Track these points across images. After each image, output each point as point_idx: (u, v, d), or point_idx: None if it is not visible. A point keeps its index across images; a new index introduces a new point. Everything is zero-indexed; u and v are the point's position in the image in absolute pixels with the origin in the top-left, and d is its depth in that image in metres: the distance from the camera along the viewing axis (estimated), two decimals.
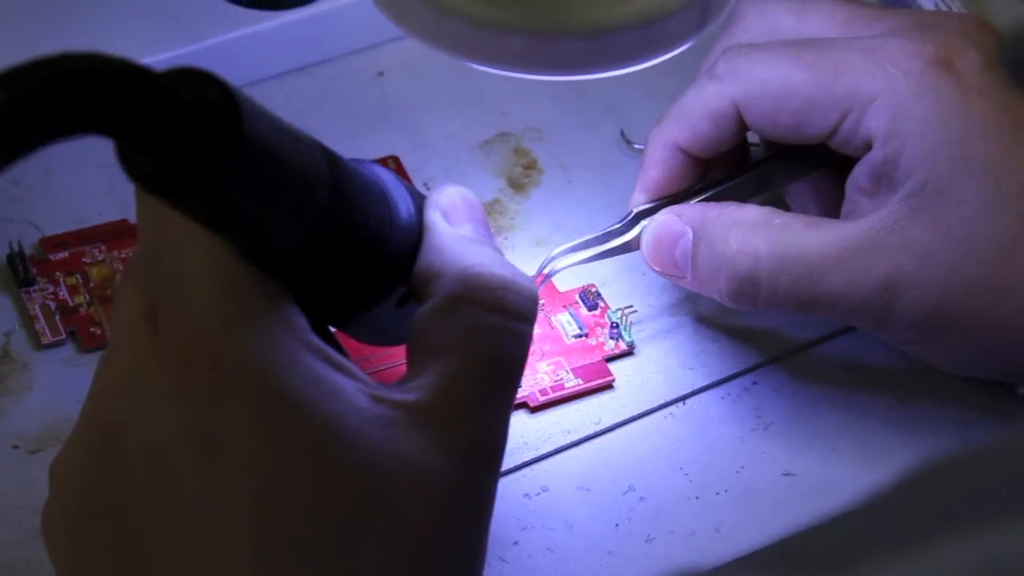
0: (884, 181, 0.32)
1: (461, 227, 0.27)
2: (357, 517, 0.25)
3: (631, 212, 0.32)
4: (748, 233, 0.31)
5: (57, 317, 0.29)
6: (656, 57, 0.26)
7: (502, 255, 0.26)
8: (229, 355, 0.24)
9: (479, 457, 0.26)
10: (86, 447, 0.25)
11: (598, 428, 0.30)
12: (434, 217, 0.27)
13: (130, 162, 0.21)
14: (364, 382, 0.25)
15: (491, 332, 0.26)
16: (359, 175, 0.25)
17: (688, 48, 0.26)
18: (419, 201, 0.27)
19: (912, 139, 0.31)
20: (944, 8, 0.36)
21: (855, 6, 0.35)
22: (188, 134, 0.20)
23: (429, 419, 0.25)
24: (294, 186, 0.23)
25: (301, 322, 0.25)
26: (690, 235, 0.31)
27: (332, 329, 0.26)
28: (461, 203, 0.28)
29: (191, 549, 0.25)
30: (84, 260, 0.30)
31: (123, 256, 0.30)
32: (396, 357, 0.27)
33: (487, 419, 0.27)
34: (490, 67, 0.25)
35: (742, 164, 0.32)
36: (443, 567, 0.26)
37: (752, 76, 0.32)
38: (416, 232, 0.26)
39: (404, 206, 0.26)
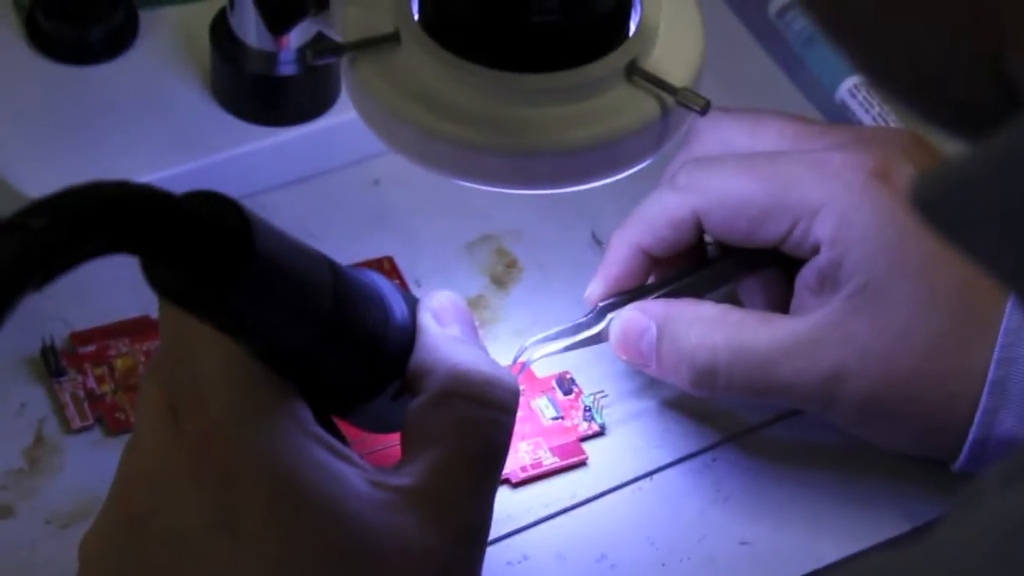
0: (828, 282, 0.34)
1: (450, 328, 0.29)
2: None
3: (598, 306, 0.34)
4: (707, 328, 0.34)
5: (85, 404, 0.32)
6: (619, 173, 0.29)
7: (487, 353, 0.29)
8: (243, 447, 0.26)
9: (468, 536, 0.29)
10: (113, 529, 0.27)
11: (573, 502, 0.32)
12: (426, 319, 0.29)
13: (153, 275, 0.23)
14: (363, 468, 0.28)
15: (478, 424, 0.29)
16: (359, 283, 0.27)
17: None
18: (412, 304, 0.29)
19: (854, 245, 0.34)
20: (882, 123, 0.39)
21: (802, 123, 0.38)
22: (205, 252, 0.22)
23: (422, 502, 0.27)
24: (301, 297, 0.26)
25: (307, 415, 0.27)
26: (654, 329, 0.33)
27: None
28: (450, 306, 0.30)
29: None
30: (110, 353, 0.32)
31: (145, 349, 0.32)
32: (390, 439, 0.30)
33: (475, 502, 0.29)
34: (472, 183, 0.29)
35: (698, 262, 0.34)
36: None
37: (711, 188, 0.35)
38: (410, 332, 0.29)
39: (399, 309, 0.28)
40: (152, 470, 0.28)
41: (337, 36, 0.29)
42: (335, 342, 0.27)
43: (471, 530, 0.29)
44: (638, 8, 0.30)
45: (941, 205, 0.18)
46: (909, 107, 0.21)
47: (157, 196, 0.22)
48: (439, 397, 0.28)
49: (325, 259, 0.26)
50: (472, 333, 0.30)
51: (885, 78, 0.21)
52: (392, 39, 0.27)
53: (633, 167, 0.30)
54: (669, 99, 0.28)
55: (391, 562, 0.27)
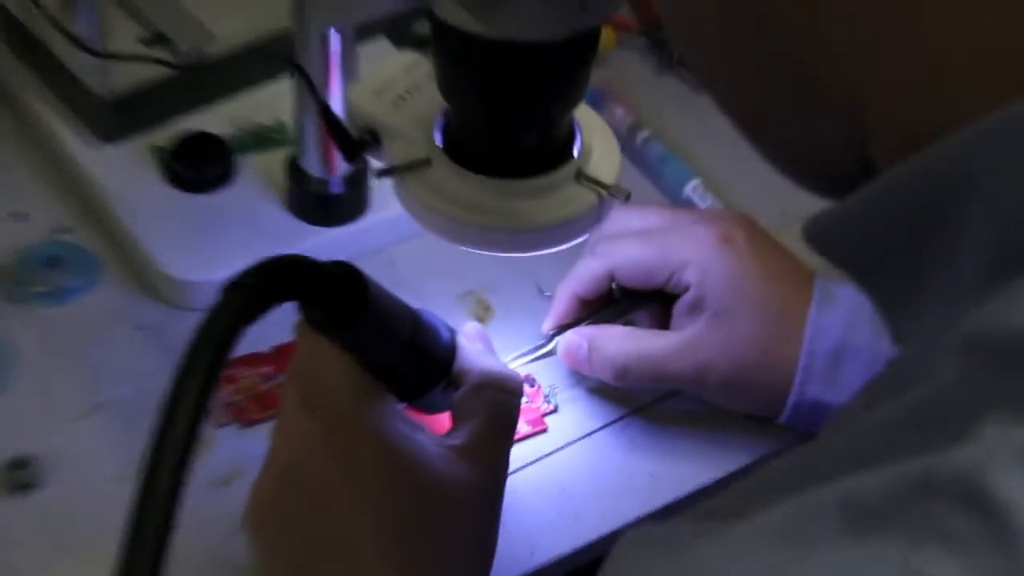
0: (696, 309, 0.47)
1: (476, 345, 0.42)
2: (435, 511, 0.38)
3: (549, 334, 0.48)
4: (621, 342, 0.47)
5: (223, 409, 0.44)
6: (573, 242, 0.41)
7: (500, 361, 0.43)
8: (358, 425, 0.37)
9: (496, 475, 0.40)
10: (272, 475, 0.38)
11: (540, 455, 0.46)
12: (461, 340, 0.41)
13: (306, 313, 0.36)
14: (431, 436, 0.39)
15: (501, 404, 0.41)
16: (423, 318, 0.39)
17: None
18: (452, 332, 0.41)
19: (711, 284, 0.47)
20: (716, 206, 0.55)
21: (670, 209, 0.53)
22: (340, 298, 0.34)
23: (469, 455, 0.39)
24: (392, 327, 0.37)
25: (393, 404, 0.39)
26: (586, 345, 0.47)
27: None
28: (475, 332, 0.44)
29: (344, 539, 0.37)
30: (238, 375, 0.45)
31: (258, 372, 0.45)
32: (434, 419, 0.43)
33: (500, 454, 0.41)
34: (477, 249, 0.40)
35: (609, 300, 0.49)
36: (479, 533, 0.40)
37: (618, 254, 0.48)
38: (452, 348, 0.40)
39: (445, 334, 0.40)
40: (296, 438, 0.38)
41: (385, 162, 0.40)
42: (410, 356, 0.39)
43: (498, 472, 0.41)
44: (578, 135, 0.40)
45: (826, 236, 0.26)
46: (785, 174, 0.29)
47: (315, 265, 0.34)
48: (475, 388, 0.41)
49: (405, 304, 0.38)
50: (490, 348, 0.44)
51: (771, 155, 0.29)
52: (426, 162, 0.39)
53: (581, 237, 0.42)
54: (604, 193, 0.40)
55: (451, 492, 0.39)
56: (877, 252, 0.26)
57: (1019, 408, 0.19)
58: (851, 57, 0.25)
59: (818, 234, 0.26)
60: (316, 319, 0.36)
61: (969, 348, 0.21)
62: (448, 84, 0.37)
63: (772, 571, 0.20)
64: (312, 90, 0.42)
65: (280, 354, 0.46)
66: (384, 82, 0.39)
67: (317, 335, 0.37)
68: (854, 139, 0.26)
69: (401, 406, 0.40)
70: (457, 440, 0.40)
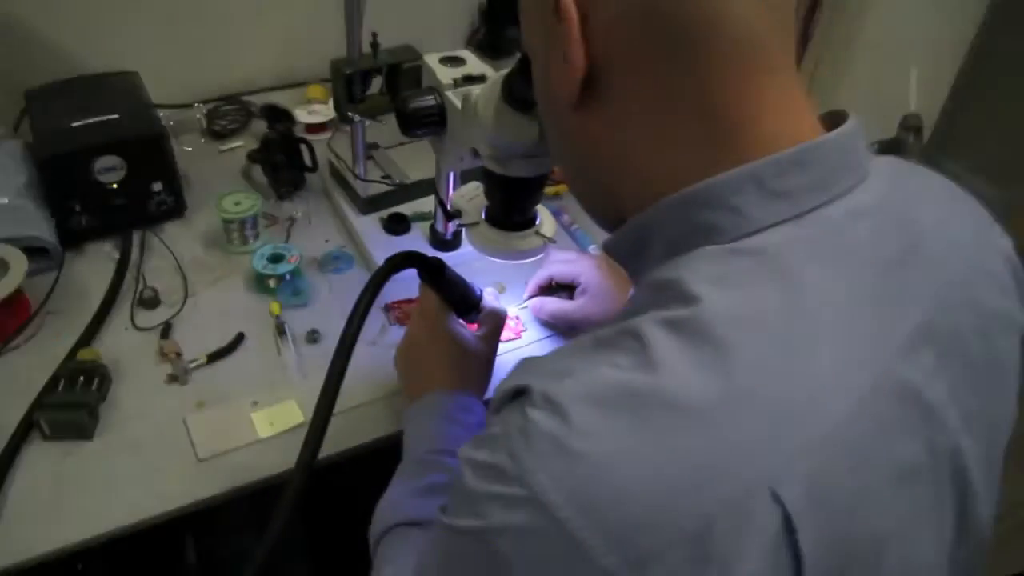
0: (583, 293, 1.03)
1: (491, 299, 0.99)
2: (466, 358, 0.88)
3: (526, 298, 1.10)
4: (555, 304, 1.06)
5: (390, 314, 1.11)
6: (536, 258, 0.98)
7: (501, 306, 0.97)
8: (439, 323, 0.89)
9: (494, 349, 0.93)
10: (404, 340, 0.92)
11: (515, 348, 1.10)
12: (486, 295, 0.96)
13: (422, 278, 0.89)
14: (470, 331, 0.90)
15: (498, 321, 0.93)
16: (468, 284, 0.91)
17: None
18: (481, 291, 0.93)
19: (591, 282, 1.02)
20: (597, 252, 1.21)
21: (579, 252, 1.13)
22: (434, 271, 0.87)
23: (483, 340, 0.91)
24: (456, 285, 0.90)
25: (454, 317, 0.90)
26: (539, 304, 1.08)
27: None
28: (492, 293, 0.98)
29: (427, 365, 0.88)
30: (398, 305, 1.13)
31: (407, 305, 1.16)
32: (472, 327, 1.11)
33: (495, 342, 0.93)
34: (500, 259, 0.98)
35: (551, 288, 1.10)
36: (485, 372, 0.91)
37: (554, 268, 1.05)
38: (480, 298, 0.93)
39: (479, 291, 0.92)
40: (413, 327, 0.90)
41: (463, 223, 1.06)
42: (463, 298, 0.90)
43: (495, 348, 0.92)
44: (538, 216, 0.92)
45: (609, 248, 0.58)
46: (592, 219, 0.64)
47: (425, 257, 0.90)
48: (488, 314, 0.93)
49: (462, 277, 0.90)
50: (497, 301, 1.00)
51: (587, 211, 0.64)
52: (477, 223, 0.98)
53: (539, 256, 0.96)
54: (548, 239, 0.92)
55: (474, 352, 0.88)
56: (626, 251, 0.58)
57: (660, 306, 0.47)
58: (611, 181, 0.58)
59: (606, 247, 0.60)
60: (426, 279, 0.93)
61: (647, 284, 0.52)
62: (488, 192, 1.02)
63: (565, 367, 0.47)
64: (439, 200, 1.14)
65: (413, 301, 1.15)
66: (464, 192, 1.08)
67: (426, 286, 0.91)
68: (616, 209, 0.58)
69: (458, 320, 0.93)
70: (480, 334, 0.92)
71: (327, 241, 1.21)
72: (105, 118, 1.13)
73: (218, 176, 1.31)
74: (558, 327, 1.10)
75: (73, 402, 0.91)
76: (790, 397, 0.45)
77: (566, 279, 1.09)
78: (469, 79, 0.97)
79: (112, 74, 1.24)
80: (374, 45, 1.12)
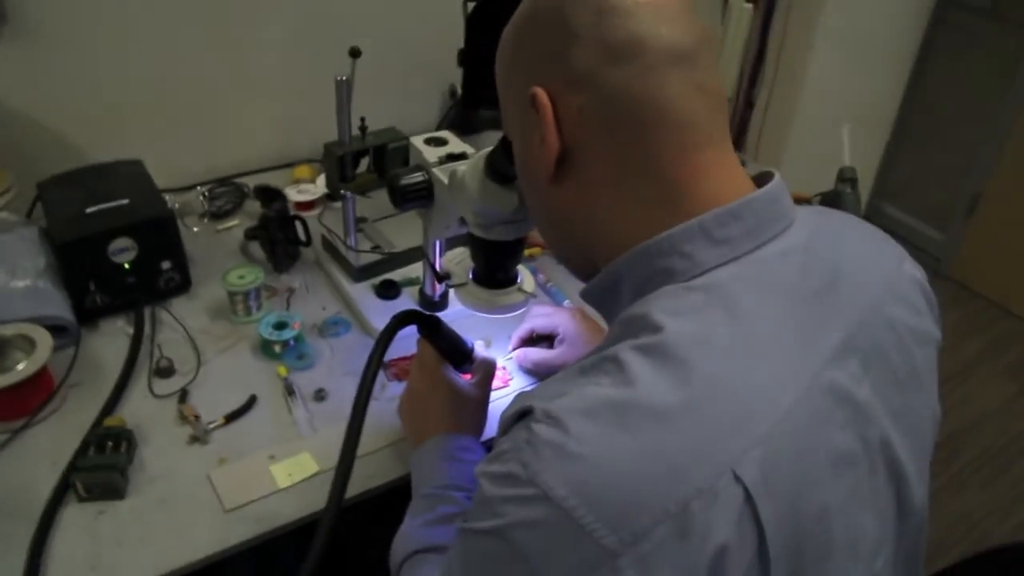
0: (562, 342, 1.15)
1: (482, 351, 1.12)
2: (462, 406, 0.98)
3: (511, 350, 1.20)
4: (537, 354, 1.17)
5: (394, 373, 1.21)
6: (518, 312, 1.10)
7: (491, 357, 1.09)
8: (437, 373, 0.98)
9: (487, 397, 1.02)
10: (409, 390, 1.02)
11: (504, 395, 1.22)
12: (477, 347, 1.09)
13: (421, 333, 0.99)
14: (464, 381, 1.00)
15: (488, 371, 1.03)
16: (461, 338, 1.02)
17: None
18: (472, 344, 1.05)
19: (568, 330, 1.15)
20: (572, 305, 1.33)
21: (556, 306, 1.25)
22: (432, 327, 0.99)
23: (476, 387, 1.01)
24: (451, 339, 1.01)
25: (450, 368, 1.00)
26: (523, 355, 1.19)
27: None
28: (481, 345, 1.17)
29: (429, 412, 0.97)
30: (398, 363, 1.24)
31: (406, 361, 1.26)
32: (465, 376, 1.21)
33: (487, 390, 1.03)
34: (488, 315, 1.11)
35: (532, 339, 1.21)
36: (480, 417, 1.01)
37: (536, 323, 1.18)
38: (472, 350, 1.03)
39: (471, 344, 1.03)
40: (413, 379, 1.00)
41: (453, 283, 1.20)
42: (457, 351, 1.01)
43: (487, 396, 1.02)
44: (520, 275, 1.05)
45: (586, 295, 0.72)
46: (569, 270, 0.79)
47: (423, 314, 1.02)
48: (479, 364, 1.03)
49: (456, 333, 1.02)
50: (489, 355, 1.14)
51: (565, 264, 0.79)
52: (465, 284, 1.10)
53: (522, 310, 1.10)
54: (529, 295, 1.05)
55: (469, 399, 0.98)
56: (600, 296, 0.70)
57: (631, 336, 0.59)
58: (584, 239, 0.70)
59: (583, 294, 0.72)
60: (424, 334, 1.04)
61: (619, 322, 0.63)
62: (473, 255, 1.12)
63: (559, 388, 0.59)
64: (429, 265, 1.25)
65: (410, 358, 1.25)
66: (452, 257, 1.18)
67: (424, 341, 1.04)
68: (590, 261, 0.71)
69: (453, 370, 1.03)
70: (474, 382, 1.02)
71: (324, 308, 1.31)
72: (117, 203, 1.23)
73: (218, 253, 1.42)
74: (540, 374, 1.19)
75: (105, 464, 0.99)
76: (740, 399, 0.57)
77: (546, 331, 1.21)
78: (452, 157, 1.09)
79: (118, 163, 1.34)
80: (363, 128, 1.25)
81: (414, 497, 0.91)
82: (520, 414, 0.61)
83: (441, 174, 1.06)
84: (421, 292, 1.29)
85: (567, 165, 0.69)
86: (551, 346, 1.20)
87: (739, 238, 0.65)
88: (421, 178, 1.08)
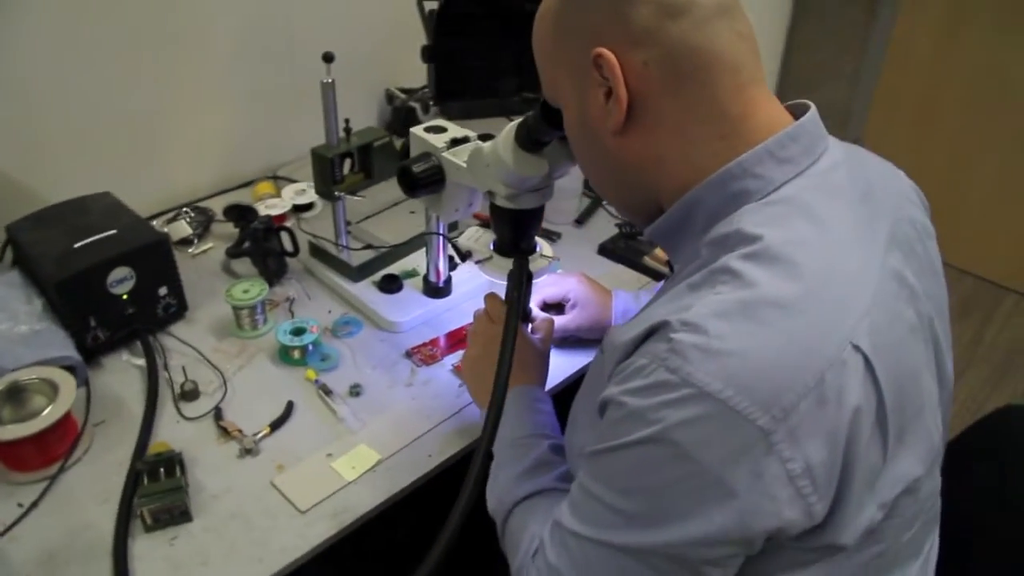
0: (572, 306, 1.20)
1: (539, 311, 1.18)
2: (538, 357, 1.04)
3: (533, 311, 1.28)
4: (559, 321, 1.20)
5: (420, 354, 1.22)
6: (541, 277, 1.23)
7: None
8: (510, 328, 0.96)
9: (549, 349, 1.09)
10: (478, 348, 1.05)
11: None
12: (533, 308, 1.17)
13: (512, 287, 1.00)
14: (536, 338, 1.08)
15: (551, 324, 1.14)
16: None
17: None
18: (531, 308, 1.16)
19: (578, 294, 1.19)
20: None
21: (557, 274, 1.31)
22: (529, 280, 1.02)
23: (544, 343, 1.08)
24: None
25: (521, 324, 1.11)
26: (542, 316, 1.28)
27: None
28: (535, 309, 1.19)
29: (493, 366, 0.87)
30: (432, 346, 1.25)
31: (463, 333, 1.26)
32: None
33: (550, 341, 1.11)
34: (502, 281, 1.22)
35: (545, 310, 1.27)
36: (547, 366, 1.06)
37: (547, 292, 1.22)
38: (530, 311, 1.15)
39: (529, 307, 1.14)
40: (487, 332, 1.04)
41: (475, 259, 1.26)
42: (525, 310, 1.12)
43: (550, 346, 1.09)
44: (538, 244, 1.12)
45: (654, 231, 0.77)
46: (627, 217, 1.04)
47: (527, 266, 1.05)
48: (543, 320, 1.13)
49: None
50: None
51: (625, 213, 0.87)
52: (490, 258, 1.21)
53: (547, 274, 1.10)
54: (552, 257, 1.07)
55: (542, 354, 1.05)
56: (668, 229, 0.75)
57: (729, 249, 0.66)
58: (650, 183, 0.75)
59: (652, 232, 0.77)
60: (516, 288, 1.02)
61: (706, 243, 0.70)
62: (498, 228, 1.07)
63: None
64: (452, 244, 1.26)
65: (428, 344, 1.26)
66: (468, 236, 1.20)
67: (493, 297, 1.08)
68: (653, 203, 0.77)
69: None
70: (539, 337, 1.08)
71: (329, 312, 1.30)
72: (105, 234, 1.17)
73: (203, 276, 1.37)
74: (554, 340, 1.22)
75: (169, 488, 0.95)
76: (842, 284, 0.65)
77: (556, 299, 1.24)
78: (456, 141, 1.11)
79: (86, 197, 1.28)
80: (347, 130, 1.25)
81: (499, 448, 0.92)
82: (648, 331, 0.66)
83: (453, 157, 1.08)
84: (425, 280, 1.30)
85: (633, 115, 0.73)
86: (562, 312, 1.24)
87: (798, 156, 0.72)
88: (434, 163, 1.09)
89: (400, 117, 1.73)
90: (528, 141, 0.93)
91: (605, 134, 0.76)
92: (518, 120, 0.95)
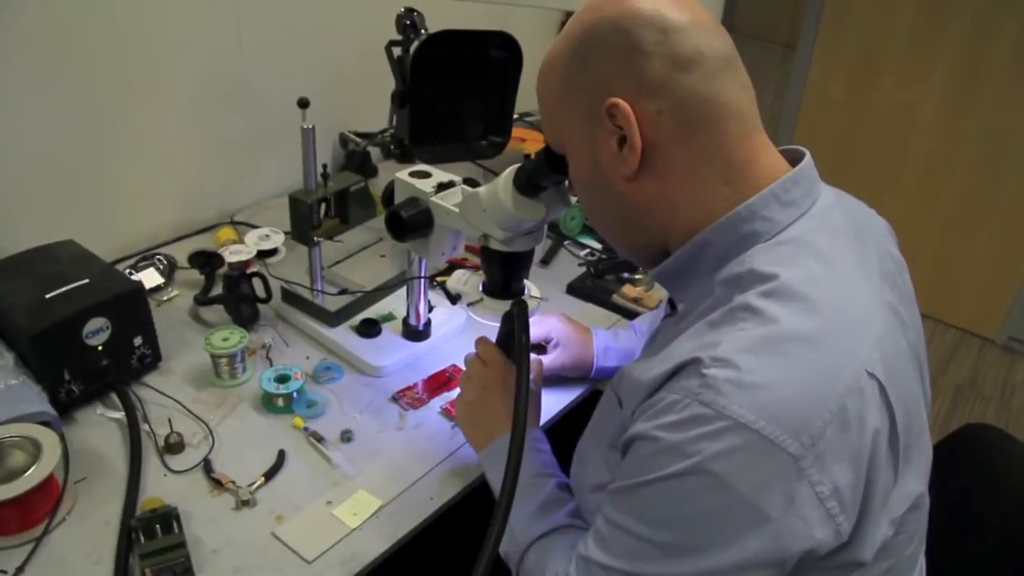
0: (554, 346, 1.23)
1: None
2: (531, 398, 1.03)
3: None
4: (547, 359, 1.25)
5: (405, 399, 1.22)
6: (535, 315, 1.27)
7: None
8: (505, 370, 1.03)
9: (540, 389, 1.11)
10: (473, 391, 1.05)
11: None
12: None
13: (509, 328, 1.07)
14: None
15: (540, 365, 1.15)
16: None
17: None
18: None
19: (560, 334, 1.22)
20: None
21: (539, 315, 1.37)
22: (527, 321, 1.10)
23: (535, 383, 1.08)
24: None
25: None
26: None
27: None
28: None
29: (500, 409, 1.01)
30: (414, 389, 1.24)
31: (435, 387, 1.27)
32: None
33: (540, 382, 1.10)
34: (491, 321, 1.25)
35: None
36: (539, 406, 1.08)
37: (535, 332, 1.29)
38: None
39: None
40: (480, 376, 1.05)
41: (466, 302, 1.28)
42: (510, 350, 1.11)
43: (540, 387, 1.10)
44: (527, 287, 1.11)
45: (660, 274, 0.81)
46: (633, 260, 0.93)
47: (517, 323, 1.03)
48: (533, 362, 1.12)
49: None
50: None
51: (630, 256, 0.90)
52: (480, 300, 1.23)
53: (536, 315, 1.22)
54: (540, 299, 1.10)
55: (535, 394, 1.06)
56: (674, 271, 0.80)
57: (746, 288, 0.71)
58: (659, 226, 0.80)
59: (658, 274, 0.82)
60: (511, 329, 1.05)
61: (719, 283, 0.74)
62: (489, 270, 1.08)
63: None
64: (444, 289, 1.28)
65: (412, 388, 1.27)
66: (457, 279, 1.18)
67: (484, 343, 1.08)
68: (660, 245, 0.81)
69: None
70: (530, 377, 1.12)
71: (308, 358, 1.29)
72: (77, 284, 1.14)
73: (170, 326, 1.34)
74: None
75: (169, 546, 0.93)
76: (855, 316, 0.70)
77: (539, 339, 1.27)
78: (442, 186, 1.14)
79: (50, 245, 1.24)
80: (324, 176, 1.26)
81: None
82: (677, 368, 0.69)
83: (442, 201, 1.11)
84: (405, 323, 1.31)
85: (645, 162, 0.78)
86: (544, 352, 1.26)
87: (800, 199, 0.78)
88: (423, 207, 1.11)
89: (355, 161, 1.74)
90: (527, 186, 0.97)
91: (617, 179, 0.79)
92: (516, 166, 0.98)
